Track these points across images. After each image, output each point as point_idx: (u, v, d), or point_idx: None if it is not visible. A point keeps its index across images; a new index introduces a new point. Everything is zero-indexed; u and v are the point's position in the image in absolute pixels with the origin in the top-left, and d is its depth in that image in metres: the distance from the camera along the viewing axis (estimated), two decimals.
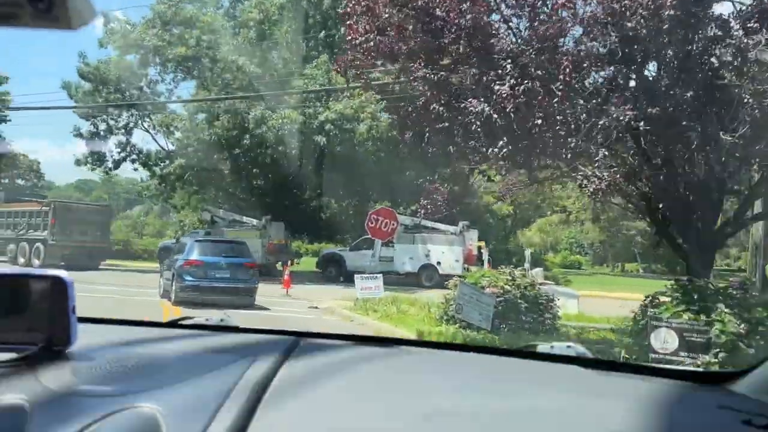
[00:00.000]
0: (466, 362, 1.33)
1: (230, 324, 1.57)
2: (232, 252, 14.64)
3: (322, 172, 29.15)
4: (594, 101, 7.25)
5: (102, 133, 28.96)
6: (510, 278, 11.36)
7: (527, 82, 7.06)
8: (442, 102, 8.13)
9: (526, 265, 19.94)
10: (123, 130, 29.62)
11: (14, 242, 25.87)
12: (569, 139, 7.07)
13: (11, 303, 0.98)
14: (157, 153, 30.38)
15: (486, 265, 22.74)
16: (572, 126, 7.23)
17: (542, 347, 1.45)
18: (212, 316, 1.66)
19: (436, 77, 7.76)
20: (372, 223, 17.08)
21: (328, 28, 25.83)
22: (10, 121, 22.56)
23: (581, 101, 7.34)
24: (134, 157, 30.24)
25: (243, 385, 0.92)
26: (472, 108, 7.35)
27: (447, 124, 8.15)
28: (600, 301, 17.71)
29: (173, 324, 1.57)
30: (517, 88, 7.08)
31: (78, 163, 29.03)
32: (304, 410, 0.90)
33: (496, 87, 7.15)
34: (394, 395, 1.00)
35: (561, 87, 7.01)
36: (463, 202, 14.00)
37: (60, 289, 0.97)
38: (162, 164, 28.67)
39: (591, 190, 7.03)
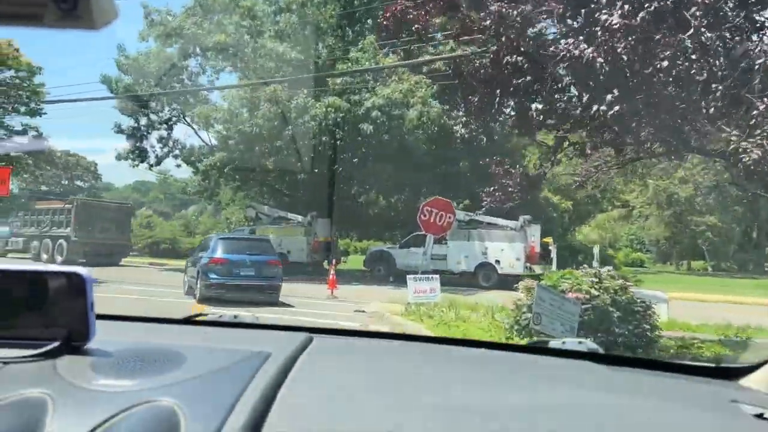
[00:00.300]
0: (480, 358, 1.33)
1: (244, 321, 1.58)
2: (256, 250, 14.50)
3: (370, 164, 27.33)
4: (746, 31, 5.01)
5: (143, 128, 27.84)
6: (596, 280, 9.18)
7: (649, 5, 4.91)
8: (521, 49, 6.04)
9: (595, 264, 17.61)
10: (165, 125, 28.47)
11: (38, 239, 26.46)
12: (713, 86, 4.87)
13: (31, 299, 1.00)
14: (199, 148, 29.13)
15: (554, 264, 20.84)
16: (715, 70, 5.02)
17: (554, 343, 1.44)
18: (227, 313, 1.67)
19: (514, 12, 5.68)
20: (425, 215, 14.88)
21: (374, 10, 23.91)
22: (45, 114, 21.53)
23: (726, 34, 5.14)
24: (176, 152, 29.04)
25: (259, 379, 0.93)
26: (565, 52, 5.28)
27: (528, 78, 6.05)
28: (690, 305, 15.24)
29: (189, 321, 1.58)
30: (632, 18, 4.96)
31: (119, 158, 28.03)
32: (319, 404, 0.91)
33: (603, 17, 5.04)
34: (407, 389, 1.00)
35: (698, 13, 4.82)
36: (536, 188, 11.72)
37: (79, 285, 0.98)
38: (204, 159, 27.35)
39: (751, 160, 4.76)
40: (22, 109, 21.27)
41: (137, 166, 28.38)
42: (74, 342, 1.01)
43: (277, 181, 29.68)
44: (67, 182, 68.14)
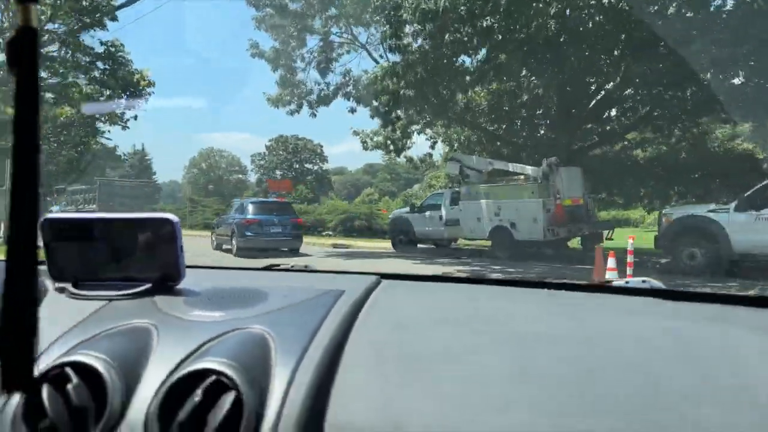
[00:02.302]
0: (544, 296, 1.25)
1: (316, 268, 1.60)
2: (281, 211, 16.79)
3: (648, 83, 15.41)
4: None
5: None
6: None
7: None
8: None
9: None
10: None
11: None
12: None
13: (126, 243, 1.04)
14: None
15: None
16: None
17: (617, 282, 1.40)
18: (299, 263, 1.72)
19: None
20: None
21: None
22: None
23: None
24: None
25: (337, 310, 0.98)
26: None
27: None
28: None
29: (265, 268, 1.62)
30: None
31: (366, 147, 22.92)
32: (392, 337, 0.93)
33: None
34: (475, 322, 0.99)
35: None
36: None
37: (169, 229, 1.02)
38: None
39: None
40: None
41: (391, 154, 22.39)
42: (168, 282, 1.06)
43: (489, 114, 19.11)
44: (297, 165, 67.97)
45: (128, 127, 19.78)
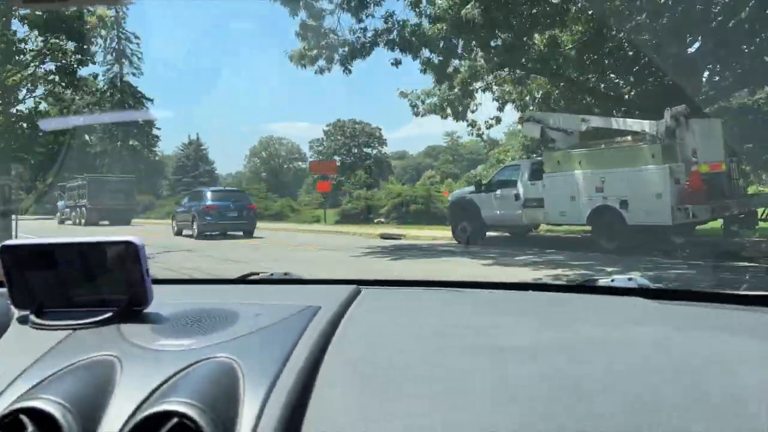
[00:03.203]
0: (528, 300, 1.27)
1: (294, 277, 1.56)
2: (236, 198, 18.69)
3: None
4: None
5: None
6: None
7: None
8: None
9: None
10: None
11: (71, 208, 31.74)
12: None
13: (90, 268, 1.00)
14: None
15: None
16: None
17: (603, 281, 1.34)
18: (278, 271, 1.62)
19: None
20: None
21: None
22: None
23: None
24: None
25: (311, 332, 0.92)
26: None
27: None
28: None
29: (241, 280, 1.53)
30: None
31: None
32: (369, 352, 0.89)
33: None
34: (455, 334, 0.95)
35: None
36: None
37: (133, 252, 0.98)
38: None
39: None
40: None
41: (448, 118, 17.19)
42: (134, 307, 1.02)
43: (577, 60, 14.18)
44: (356, 150, 66.29)
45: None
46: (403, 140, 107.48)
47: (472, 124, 17.44)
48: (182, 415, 0.69)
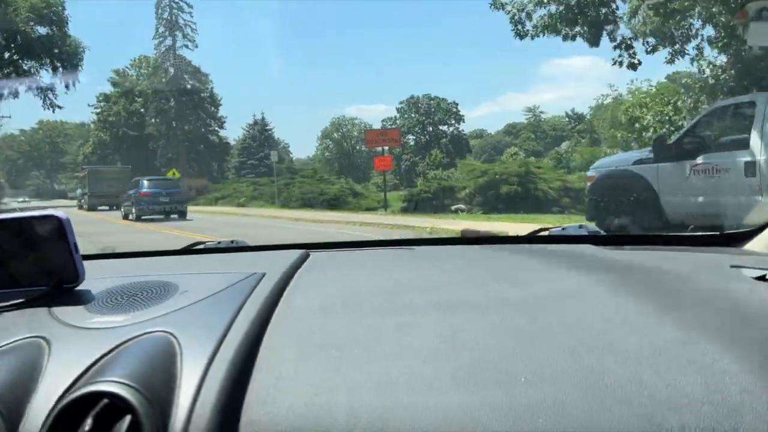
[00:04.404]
0: (480, 254, 1.22)
1: (241, 245, 1.48)
2: (167, 186, 20.37)
3: None
4: None
5: None
6: None
7: None
8: None
9: None
10: None
11: (79, 197, 35.27)
12: None
13: (13, 246, 0.94)
14: None
15: None
16: None
17: (554, 230, 1.34)
18: (225, 239, 1.55)
19: None
20: None
21: None
22: None
23: None
24: None
25: (253, 300, 0.86)
26: None
27: None
28: None
29: (186, 251, 1.45)
30: None
31: None
32: (316, 319, 0.84)
33: None
34: (405, 290, 0.92)
35: None
36: None
37: (58, 228, 0.91)
38: None
39: None
40: None
41: None
42: (65, 284, 0.95)
43: None
44: (431, 128, 62.02)
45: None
46: (479, 119, 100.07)
47: (624, 45, 9.92)
48: (113, 396, 0.63)
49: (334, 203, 25.25)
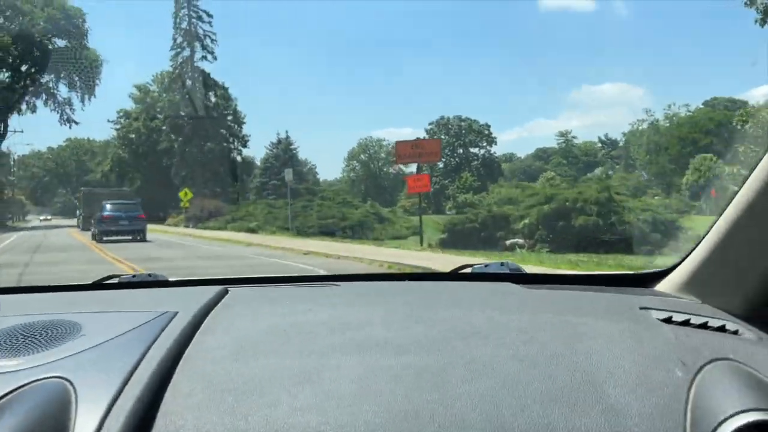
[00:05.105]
0: (401, 291, 1.20)
1: (157, 279, 1.37)
2: (129, 209, 20.94)
3: None
4: None
5: None
6: None
7: None
8: None
9: None
10: None
11: (76, 217, 35.59)
12: None
13: None
14: None
15: None
16: None
17: (477, 267, 1.33)
18: (142, 272, 1.47)
19: None
20: None
21: None
22: None
23: None
24: None
25: (162, 341, 0.80)
26: None
27: None
28: None
29: (97, 285, 1.32)
30: None
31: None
32: (228, 361, 0.78)
33: None
34: (321, 331, 0.87)
35: None
36: None
37: None
38: None
39: None
40: None
41: None
42: None
43: None
44: (461, 150, 59.05)
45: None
46: (507, 144, 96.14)
47: None
48: None
49: (357, 230, 21.17)
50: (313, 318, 0.94)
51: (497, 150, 64.06)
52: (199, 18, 39.46)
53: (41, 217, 62.79)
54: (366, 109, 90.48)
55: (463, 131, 59.29)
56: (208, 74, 39.95)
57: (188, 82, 39.30)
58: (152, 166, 41.91)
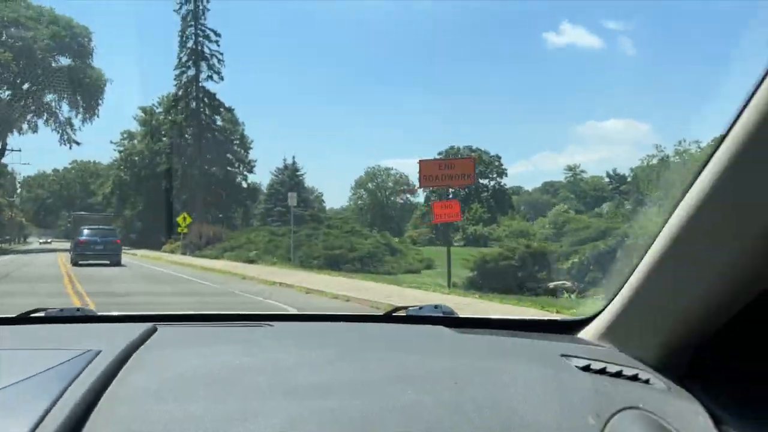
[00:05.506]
0: (335, 333, 1.17)
1: (85, 314, 1.29)
2: (104, 234, 21.33)
3: None
4: None
5: None
6: None
7: None
8: None
9: None
10: None
11: (69, 239, 34.25)
12: None
13: None
14: None
15: None
16: None
17: (411, 310, 1.31)
18: (71, 306, 1.35)
19: None
20: None
21: None
22: None
23: None
24: None
25: (81, 381, 0.75)
26: None
27: None
28: None
29: (20, 320, 1.24)
30: None
31: None
32: (148, 405, 0.73)
33: None
34: (248, 375, 0.84)
35: None
36: None
37: None
38: None
39: None
40: None
41: None
42: None
43: None
44: (466, 189, 58.24)
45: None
46: (513, 176, 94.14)
47: None
48: None
49: (367, 262, 18.72)
50: (243, 360, 0.90)
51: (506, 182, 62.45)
52: (206, 37, 37.76)
53: (41, 240, 60.86)
54: (373, 138, 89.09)
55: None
56: (214, 94, 38.07)
57: (192, 103, 37.35)
58: (154, 189, 39.83)
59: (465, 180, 12.31)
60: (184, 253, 27.69)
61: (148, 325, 1.05)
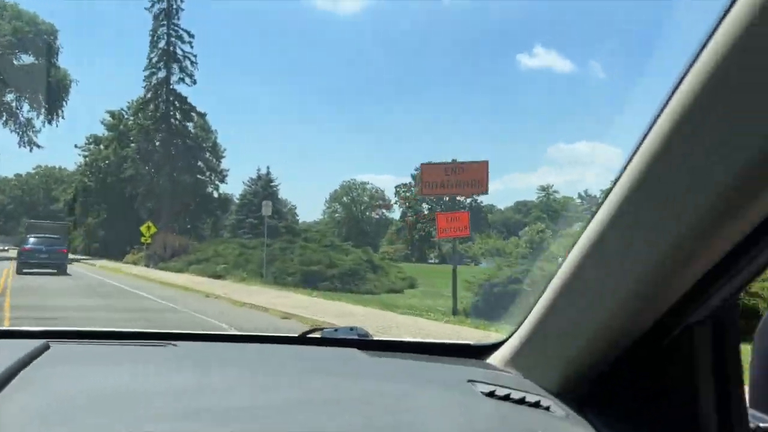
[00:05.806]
0: (244, 355, 1.12)
1: None
2: (50, 243, 20.81)
3: None
4: None
5: None
6: None
7: None
8: None
9: None
10: None
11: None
12: None
13: None
14: None
15: None
16: None
17: (326, 331, 1.27)
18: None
19: None
20: None
21: None
22: None
23: None
24: None
25: None
26: None
27: None
28: None
29: None
30: None
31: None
32: (31, 428, 0.68)
33: None
34: (153, 397, 0.78)
35: None
36: None
37: None
38: None
39: None
40: None
41: None
42: None
43: None
44: (447, 198, 55.62)
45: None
46: (490, 195, 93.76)
47: None
48: None
49: (347, 280, 16.88)
50: (141, 381, 0.85)
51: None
52: (179, 37, 35.52)
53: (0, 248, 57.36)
54: (348, 153, 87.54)
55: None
56: (185, 98, 35.81)
57: (161, 106, 35.05)
58: (120, 196, 37.22)
59: (476, 188, 10.59)
60: (147, 265, 25.40)
61: (41, 341, 0.97)
